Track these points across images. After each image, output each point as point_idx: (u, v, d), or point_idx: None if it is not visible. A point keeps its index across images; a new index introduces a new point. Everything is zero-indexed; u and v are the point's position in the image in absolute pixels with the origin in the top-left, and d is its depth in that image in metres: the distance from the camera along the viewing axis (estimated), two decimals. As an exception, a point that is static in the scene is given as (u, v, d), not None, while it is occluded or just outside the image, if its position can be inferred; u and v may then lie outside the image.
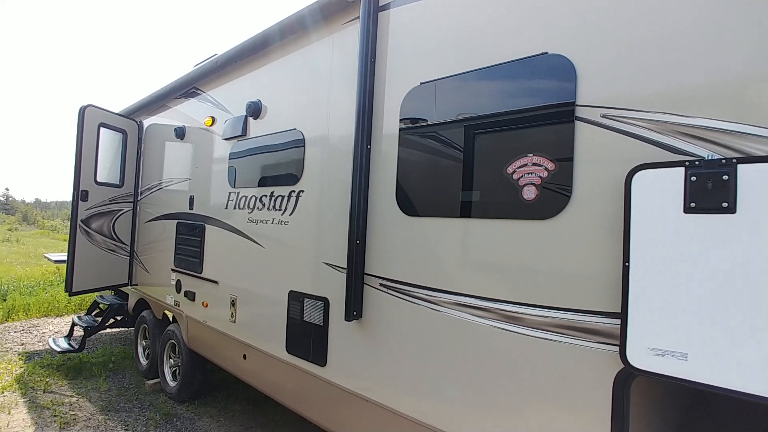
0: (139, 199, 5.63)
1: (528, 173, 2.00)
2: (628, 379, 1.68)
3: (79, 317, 5.93)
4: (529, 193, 1.99)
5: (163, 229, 4.97)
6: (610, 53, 1.82)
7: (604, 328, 1.75)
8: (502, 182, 2.07)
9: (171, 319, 4.92)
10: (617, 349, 1.68)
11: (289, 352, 3.12)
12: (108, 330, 6.34)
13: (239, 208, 3.74)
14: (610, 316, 1.73)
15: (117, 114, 5.46)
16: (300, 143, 3.18)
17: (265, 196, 3.47)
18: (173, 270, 4.68)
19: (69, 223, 5.03)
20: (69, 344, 5.47)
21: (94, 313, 6.26)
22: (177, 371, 4.72)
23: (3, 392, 4.73)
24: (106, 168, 5.37)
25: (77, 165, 4.90)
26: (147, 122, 5.62)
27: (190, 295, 4.33)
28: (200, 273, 4.21)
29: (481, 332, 2.10)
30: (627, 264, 1.65)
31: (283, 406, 3.24)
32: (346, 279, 2.64)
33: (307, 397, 3.00)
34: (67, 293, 4.91)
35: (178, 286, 4.57)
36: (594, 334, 1.78)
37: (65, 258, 5.38)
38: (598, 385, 1.75)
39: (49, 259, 8.85)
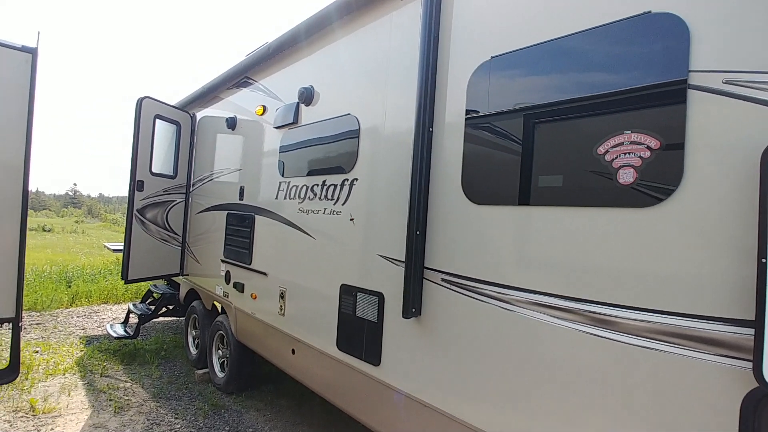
0: (191, 190, 5.71)
1: (625, 153, 1.71)
2: (762, 401, 1.37)
3: (134, 305, 6.11)
4: (627, 177, 1.70)
5: (214, 220, 4.98)
6: (735, 3, 1.50)
7: (727, 339, 1.44)
8: (592, 165, 1.79)
9: (220, 310, 4.93)
10: (748, 364, 1.37)
11: (340, 349, 2.96)
12: (160, 318, 6.49)
13: (289, 198, 3.63)
14: (737, 324, 1.42)
15: (172, 106, 5.55)
16: (354, 129, 3.02)
17: (317, 185, 3.33)
18: (223, 261, 4.67)
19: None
20: (125, 331, 5.63)
21: (147, 301, 6.45)
22: (225, 362, 4.72)
23: (65, 374, 4.91)
24: (161, 159, 5.47)
25: (134, 155, 5.01)
26: (200, 114, 5.69)
27: (239, 287, 4.29)
28: (249, 264, 4.15)
29: (563, 336, 1.84)
30: (764, 260, 1.34)
31: (331, 404, 3.09)
32: (404, 273, 2.44)
33: (358, 397, 2.83)
34: (123, 281, 5.04)
35: (228, 277, 4.55)
36: (713, 345, 1.47)
37: (122, 247, 5.54)
38: (719, 408, 1.45)
39: (108, 248, 9.28)
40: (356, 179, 2.97)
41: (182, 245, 5.70)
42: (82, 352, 5.68)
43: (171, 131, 5.58)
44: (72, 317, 7.64)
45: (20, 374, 4.63)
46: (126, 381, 4.82)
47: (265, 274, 3.90)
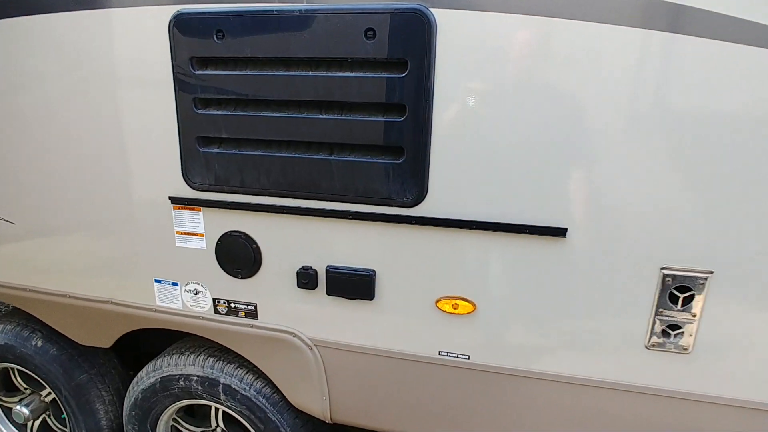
0: None
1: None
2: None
3: None
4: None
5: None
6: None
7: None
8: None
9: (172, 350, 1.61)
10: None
11: None
12: None
13: None
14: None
15: None
16: None
17: None
18: (181, 205, 1.28)
19: None
20: None
21: None
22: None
23: None
24: None
25: None
26: None
27: (341, 287, 1.23)
28: (415, 204, 1.14)
29: None
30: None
31: None
32: None
33: None
34: None
35: (235, 263, 1.29)
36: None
37: None
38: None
39: None
40: None
41: None
42: None
43: None
44: None
45: None
46: None
47: (564, 233, 1.07)
